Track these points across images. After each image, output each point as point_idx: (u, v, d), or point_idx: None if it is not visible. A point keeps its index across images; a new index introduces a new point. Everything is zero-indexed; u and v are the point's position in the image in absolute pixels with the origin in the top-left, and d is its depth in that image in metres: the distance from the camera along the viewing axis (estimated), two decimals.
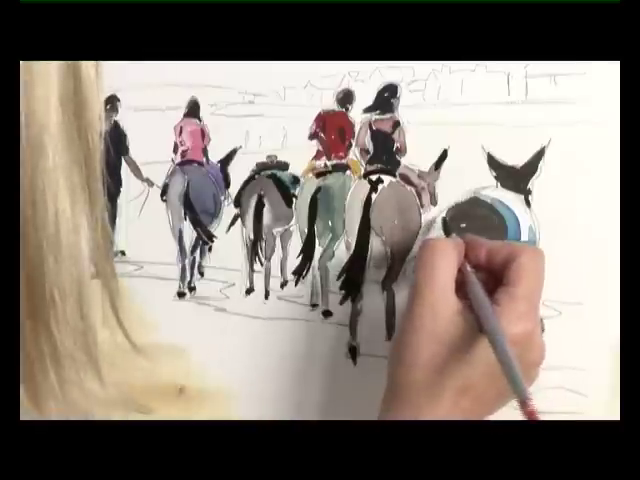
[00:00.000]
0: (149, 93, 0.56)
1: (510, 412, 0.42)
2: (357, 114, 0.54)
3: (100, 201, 0.39)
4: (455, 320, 0.43)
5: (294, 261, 0.56)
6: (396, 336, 0.45)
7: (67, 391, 0.38)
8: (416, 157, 0.53)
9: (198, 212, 0.57)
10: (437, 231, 0.53)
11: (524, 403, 0.38)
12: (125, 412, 0.45)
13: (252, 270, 0.56)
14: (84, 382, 0.39)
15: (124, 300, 0.42)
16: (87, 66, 0.37)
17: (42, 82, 0.36)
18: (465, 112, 0.52)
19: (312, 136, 0.55)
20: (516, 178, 0.51)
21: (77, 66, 0.37)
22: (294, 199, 0.56)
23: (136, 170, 0.57)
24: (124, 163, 0.57)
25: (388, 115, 0.53)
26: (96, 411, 0.40)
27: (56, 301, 0.37)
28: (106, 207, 0.39)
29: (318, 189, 0.55)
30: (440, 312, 0.43)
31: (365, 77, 0.53)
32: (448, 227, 0.52)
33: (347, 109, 0.54)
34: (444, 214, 0.52)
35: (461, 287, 0.45)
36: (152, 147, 0.57)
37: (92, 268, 0.39)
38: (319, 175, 0.55)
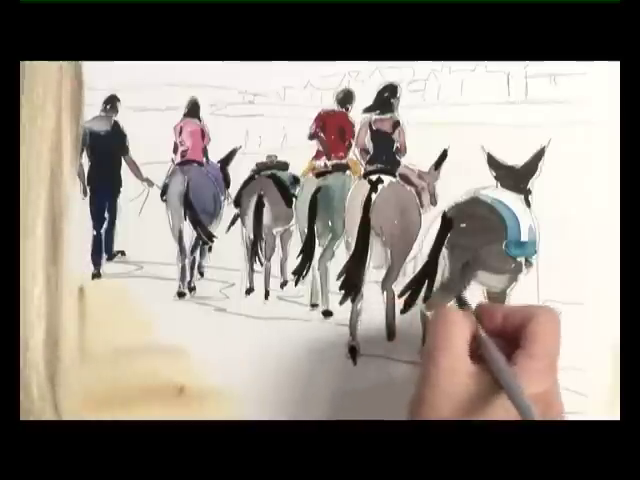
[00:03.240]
0: (149, 93, 0.56)
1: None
2: (357, 114, 0.54)
3: (65, 213, 0.39)
4: (471, 382, 0.43)
5: (294, 261, 0.56)
6: (415, 396, 0.45)
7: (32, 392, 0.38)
8: (416, 157, 0.53)
9: (198, 212, 0.57)
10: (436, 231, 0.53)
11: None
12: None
13: (252, 270, 0.56)
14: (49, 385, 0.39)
15: (93, 308, 0.42)
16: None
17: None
18: (465, 112, 0.52)
19: (312, 136, 0.55)
20: (516, 178, 0.51)
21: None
22: (294, 199, 0.56)
23: (136, 170, 0.57)
24: (124, 163, 0.57)
25: (388, 115, 0.53)
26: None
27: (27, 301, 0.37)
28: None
29: (318, 189, 0.55)
30: (456, 375, 0.43)
31: (365, 77, 0.53)
32: (448, 224, 0.52)
33: (347, 109, 0.54)
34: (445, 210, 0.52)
35: (477, 354, 0.45)
36: (152, 147, 0.57)
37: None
38: (319, 175, 0.55)
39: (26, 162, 0.36)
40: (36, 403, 0.37)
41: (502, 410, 0.41)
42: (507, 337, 0.45)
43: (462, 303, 0.47)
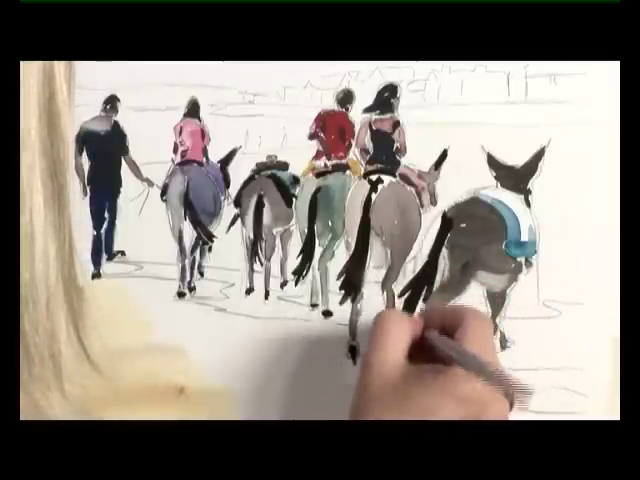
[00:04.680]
0: (149, 93, 0.56)
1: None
2: (357, 114, 0.54)
3: (69, 218, 0.39)
4: (405, 384, 0.43)
5: (294, 261, 0.56)
6: (352, 404, 0.45)
7: (32, 390, 0.38)
8: (416, 157, 0.53)
9: (198, 212, 0.57)
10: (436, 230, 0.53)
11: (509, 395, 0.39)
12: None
13: (252, 270, 0.56)
14: (50, 385, 0.39)
15: (93, 308, 0.42)
16: (60, 81, 0.37)
17: (24, 84, 0.36)
18: (465, 112, 0.52)
19: (312, 136, 0.55)
20: (516, 178, 0.51)
21: (52, 77, 0.37)
22: (294, 199, 0.56)
23: (136, 170, 0.57)
24: (124, 163, 0.57)
25: (388, 115, 0.53)
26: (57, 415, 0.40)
27: (28, 295, 0.37)
28: (73, 220, 0.40)
29: (318, 189, 0.55)
30: (388, 380, 0.43)
31: (365, 77, 0.53)
32: (448, 224, 0.52)
33: (347, 109, 0.54)
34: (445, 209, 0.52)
35: (418, 355, 0.45)
36: (152, 147, 0.57)
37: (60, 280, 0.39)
38: (319, 175, 0.55)
39: (26, 162, 0.36)
40: (37, 402, 0.37)
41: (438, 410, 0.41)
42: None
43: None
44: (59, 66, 0.37)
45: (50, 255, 0.38)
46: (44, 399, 0.38)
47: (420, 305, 0.53)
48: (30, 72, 0.36)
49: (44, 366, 0.38)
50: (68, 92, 0.38)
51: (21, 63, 0.36)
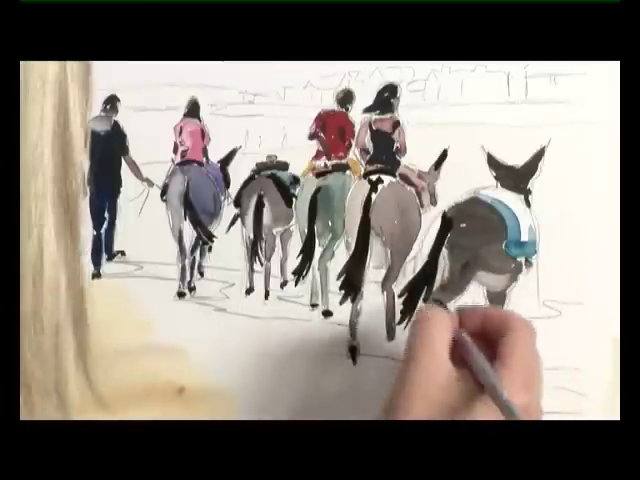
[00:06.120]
0: (149, 93, 0.56)
1: None
2: (357, 114, 0.54)
3: (79, 245, 0.39)
4: (448, 386, 0.42)
5: (294, 261, 0.56)
6: (389, 399, 0.44)
7: (27, 413, 0.38)
8: (416, 157, 0.53)
9: (198, 212, 0.57)
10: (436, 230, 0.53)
11: None
12: None
13: (252, 270, 0.56)
14: (48, 413, 0.39)
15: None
16: (75, 108, 0.37)
17: (37, 104, 0.36)
18: (465, 112, 0.52)
19: (312, 136, 0.55)
20: (516, 178, 0.51)
21: (66, 99, 0.37)
22: (294, 199, 0.56)
23: (136, 170, 0.57)
24: (124, 163, 0.57)
25: (388, 115, 0.53)
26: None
27: (31, 328, 0.37)
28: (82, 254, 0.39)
29: (318, 189, 0.55)
30: (434, 378, 0.43)
31: (365, 77, 0.53)
32: (448, 224, 0.52)
33: (347, 109, 0.54)
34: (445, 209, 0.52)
35: (456, 356, 0.44)
36: (152, 147, 0.57)
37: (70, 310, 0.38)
38: (319, 175, 0.55)
39: (27, 162, 0.36)
40: (38, 403, 0.37)
41: (480, 415, 0.41)
42: (485, 340, 0.45)
43: (439, 303, 0.47)
44: (73, 92, 0.37)
45: (61, 286, 0.38)
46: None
47: (420, 304, 0.53)
48: (44, 91, 0.36)
49: (49, 399, 0.38)
50: (82, 120, 0.38)
51: (24, 65, 0.35)
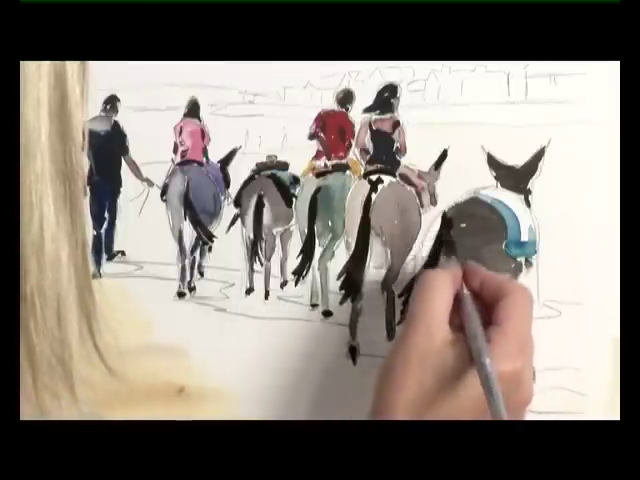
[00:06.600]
0: (149, 93, 0.56)
1: None
2: (357, 114, 0.54)
3: (81, 219, 0.39)
4: (446, 351, 0.43)
5: (294, 261, 0.56)
6: (386, 360, 0.45)
7: (41, 397, 0.38)
8: (416, 157, 0.53)
9: (198, 212, 0.57)
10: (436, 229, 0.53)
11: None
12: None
13: (252, 270, 0.56)
14: (58, 391, 0.39)
15: (108, 313, 0.42)
16: (73, 83, 0.37)
17: (34, 86, 0.36)
18: (465, 112, 0.52)
19: (312, 136, 0.55)
20: (516, 178, 0.51)
21: (63, 80, 0.37)
22: (294, 199, 0.56)
23: (136, 170, 0.57)
24: (124, 163, 0.57)
25: (388, 115, 0.53)
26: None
27: (36, 305, 0.37)
28: (86, 227, 0.40)
29: (318, 189, 0.55)
30: (433, 341, 0.43)
31: (365, 77, 0.53)
32: (448, 224, 0.52)
33: (347, 109, 0.54)
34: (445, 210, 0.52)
35: (456, 315, 0.45)
36: (152, 147, 0.57)
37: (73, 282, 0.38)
38: (319, 175, 0.55)
39: (27, 162, 0.36)
40: (43, 378, 0.37)
41: (470, 394, 0.41)
42: (482, 302, 0.45)
43: (450, 250, 0.47)
44: (72, 66, 0.37)
45: (62, 261, 0.38)
46: (52, 404, 0.38)
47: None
48: (40, 74, 0.36)
49: (53, 374, 0.38)
50: (81, 94, 0.38)
51: (25, 63, 0.35)
